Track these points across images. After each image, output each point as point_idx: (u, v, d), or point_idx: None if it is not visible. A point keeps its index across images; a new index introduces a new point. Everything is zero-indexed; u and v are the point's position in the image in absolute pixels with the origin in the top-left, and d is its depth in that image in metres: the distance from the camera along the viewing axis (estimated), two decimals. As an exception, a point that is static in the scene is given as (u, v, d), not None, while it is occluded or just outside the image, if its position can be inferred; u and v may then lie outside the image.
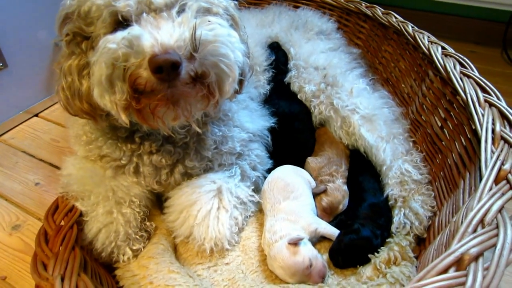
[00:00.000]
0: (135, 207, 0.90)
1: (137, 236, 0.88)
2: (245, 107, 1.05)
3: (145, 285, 0.81)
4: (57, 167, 1.34)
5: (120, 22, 0.69)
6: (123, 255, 0.87)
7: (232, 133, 0.97)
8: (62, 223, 0.83)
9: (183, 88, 0.68)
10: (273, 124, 1.10)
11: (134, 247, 0.87)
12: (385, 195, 0.98)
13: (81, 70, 0.75)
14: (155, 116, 0.72)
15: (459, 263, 0.52)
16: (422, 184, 0.97)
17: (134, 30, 0.65)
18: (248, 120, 1.03)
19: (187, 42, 0.64)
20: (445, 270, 0.52)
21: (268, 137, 1.09)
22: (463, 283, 0.49)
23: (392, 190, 0.97)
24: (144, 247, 0.89)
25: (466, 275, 0.50)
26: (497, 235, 0.55)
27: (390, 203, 0.97)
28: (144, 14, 0.68)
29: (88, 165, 0.93)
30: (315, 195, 1.00)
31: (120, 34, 0.65)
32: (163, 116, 0.72)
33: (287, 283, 0.84)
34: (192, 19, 0.67)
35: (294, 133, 1.15)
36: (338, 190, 0.99)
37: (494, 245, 0.54)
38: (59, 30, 0.77)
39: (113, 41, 0.64)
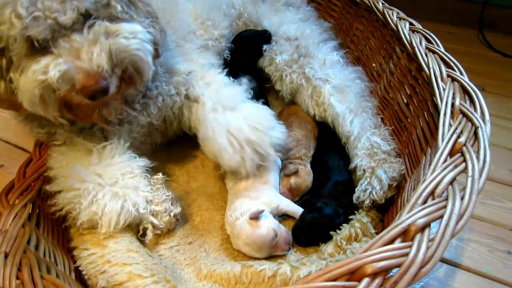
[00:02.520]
0: (132, 176, 0.89)
1: (156, 198, 0.88)
2: (175, 48, 1.04)
3: (102, 263, 0.78)
4: (23, 149, 1.31)
5: (35, 46, 0.72)
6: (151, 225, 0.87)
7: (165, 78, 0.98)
8: (17, 202, 0.80)
9: (111, 95, 0.78)
10: (221, 62, 1.11)
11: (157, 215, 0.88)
12: (353, 165, 0.97)
13: None
14: (89, 117, 0.82)
15: (405, 234, 0.52)
16: (392, 155, 0.95)
17: (60, 65, 0.70)
18: (178, 61, 1.01)
19: (107, 62, 0.72)
20: (391, 241, 0.51)
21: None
22: (407, 254, 0.49)
23: (361, 161, 0.95)
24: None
25: (410, 246, 0.50)
26: (445, 206, 0.55)
27: (358, 173, 0.95)
28: (60, 41, 0.72)
29: (70, 157, 0.90)
30: (285, 175, 0.99)
31: (46, 64, 0.70)
32: (97, 116, 0.82)
33: (247, 259, 0.84)
34: (102, 36, 0.74)
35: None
36: (309, 175, 0.99)
37: (441, 217, 0.53)
38: None
39: (42, 72, 0.70)
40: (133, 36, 0.77)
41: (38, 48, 0.72)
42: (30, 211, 0.81)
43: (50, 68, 0.70)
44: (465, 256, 0.95)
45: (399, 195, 0.91)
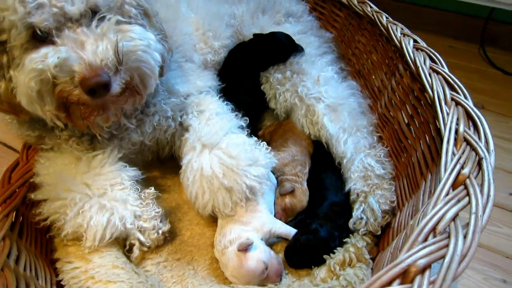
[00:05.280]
0: (121, 188, 0.86)
1: (145, 213, 0.85)
2: (177, 68, 1.02)
3: (86, 279, 0.76)
4: (10, 147, 1.29)
5: (38, 35, 0.69)
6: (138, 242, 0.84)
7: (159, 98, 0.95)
8: (-1, 210, 0.77)
9: (113, 98, 0.74)
10: (218, 84, 1.09)
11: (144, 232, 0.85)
12: (347, 189, 0.95)
13: None
14: (85, 121, 0.77)
15: (404, 276, 0.49)
16: (385, 180, 0.94)
17: (60, 52, 0.66)
18: (178, 82, 0.99)
19: (112, 58, 0.68)
20: (389, 283, 0.48)
21: (214, 95, 1.06)
22: (406, 298, 0.46)
23: (354, 184, 0.94)
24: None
25: (410, 289, 0.47)
26: (447, 245, 0.52)
27: (352, 197, 0.94)
28: (66, 31, 0.69)
29: (58, 164, 0.87)
30: (280, 194, 0.96)
31: (45, 52, 0.67)
32: (93, 120, 0.78)
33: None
34: (111, 32, 0.70)
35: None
36: (305, 194, 0.96)
37: (443, 257, 0.50)
38: None
39: (40, 61, 0.66)
40: (143, 39, 0.74)
41: (41, 39, 0.69)
42: (13, 220, 0.78)
43: (49, 56, 0.66)
44: (459, 283, 0.93)
45: (395, 217, 0.89)
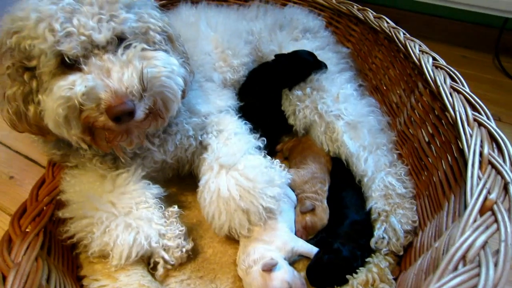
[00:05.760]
0: (146, 206, 0.88)
1: (169, 232, 0.87)
2: (198, 88, 1.04)
3: (112, 298, 0.77)
4: (33, 161, 1.29)
5: (66, 62, 0.71)
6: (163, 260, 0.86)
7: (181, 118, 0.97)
8: (29, 228, 0.78)
9: (137, 123, 0.76)
10: (238, 103, 1.10)
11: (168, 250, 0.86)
12: (368, 208, 0.95)
13: (26, 97, 0.77)
14: (110, 144, 0.79)
15: (437, 306, 0.50)
16: (406, 198, 0.94)
17: (88, 81, 0.68)
18: (199, 102, 1.01)
19: (137, 86, 0.70)
20: (422, 314, 0.49)
21: (233, 114, 1.08)
22: (441, 331, 0.47)
23: (376, 203, 0.94)
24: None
25: (444, 321, 0.48)
26: (478, 274, 0.52)
27: (373, 216, 0.94)
28: (92, 58, 0.71)
29: (83, 182, 0.89)
30: (301, 212, 0.96)
31: (73, 80, 0.69)
32: (117, 144, 0.80)
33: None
34: (136, 59, 0.73)
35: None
36: (325, 212, 0.97)
37: (475, 287, 0.51)
38: None
39: (68, 88, 0.68)
40: (168, 66, 0.76)
41: (69, 65, 0.71)
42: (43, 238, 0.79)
43: (77, 84, 0.68)
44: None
45: (417, 236, 0.89)
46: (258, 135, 1.02)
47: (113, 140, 0.78)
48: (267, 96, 1.17)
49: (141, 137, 0.84)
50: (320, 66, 1.16)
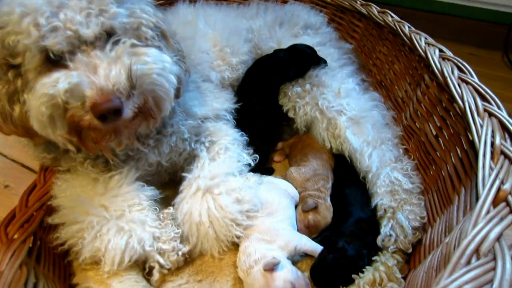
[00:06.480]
0: (139, 208, 0.84)
1: (164, 235, 0.83)
2: (195, 89, 1.00)
3: (104, 305, 0.73)
4: (29, 168, 1.26)
5: (51, 58, 0.68)
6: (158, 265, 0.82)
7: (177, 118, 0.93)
8: (17, 235, 0.74)
9: (125, 122, 0.71)
10: (235, 106, 1.06)
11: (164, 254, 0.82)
12: (373, 204, 0.91)
13: (11, 96, 0.73)
14: (98, 145, 0.75)
15: (449, 303, 0.45)
16: (414, 194, 0.90)
17: (72, 77, 0.64)
18: (195, 104, 0.97)
19: (124, 82, 0.66)
20: (432, 311, 0.45)
21: (229, 119, 1.05)
22: (454, 330, 0.42)
23: (381, 199, 0.90)
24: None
25: (457, 319, 0.43)
26: (494, 268, 0.48)
27: (379, 213, 0.89)
28: (79, 54, 0.68)
29: (75, 186, 0.86)
30: (303, 211, 0.93)
31: (57, 77, 0.65)
32: (106, 145, 0.76)
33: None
34: (126, 56, 0.68)
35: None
36: (329, 210, 0.93)
37: (491, 282, 0.46)
38: None
39: (51, 86, 0.64)
40: (158, 62, 0.72)
41: (54, 62, 0.68)
42: (31, 245, 0.75)
43: (61, 81, 0.64)
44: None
45: (425, 233, 0.85)
46: (251, 151, 0.99)
47: (101, 141, 0.74)
48: (265, 93, 1.13)
49: (131, 138, 0.79)
50: (319, 60, 1.12)
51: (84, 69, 0.66)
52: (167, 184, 1.03)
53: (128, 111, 0.69)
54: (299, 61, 1.12)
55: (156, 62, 0.71)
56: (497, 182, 0.60)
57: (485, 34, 1.91)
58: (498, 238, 0.52)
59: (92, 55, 0.68)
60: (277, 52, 1.16)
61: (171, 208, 0.88)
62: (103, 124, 0.68)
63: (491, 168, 0.63)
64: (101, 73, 0.66)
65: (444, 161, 0.86)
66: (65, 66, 0.67)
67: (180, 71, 0.83)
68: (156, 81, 0.71)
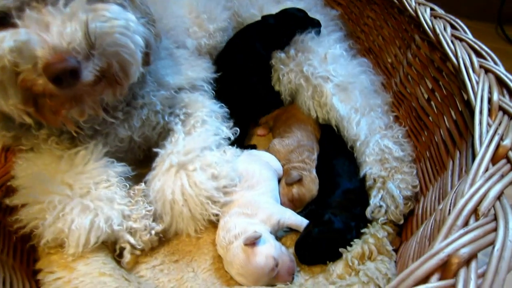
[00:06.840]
0: (107, 185, 0.76)
1: (134, 212, 0.76)
2: (167, 56, 0.92)
3: (69, 290, 0.66)
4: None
5: None
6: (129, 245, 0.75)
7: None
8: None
9: (86, 88, 0.64)
10: (213, 75, 0.99)
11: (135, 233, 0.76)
12: (362, 174, 0.85)
13: None
14: (58, 116, 0.67)
15: (445, 269, 0.39)
16: (405, 162, 0.84)
17: (19, 34, 0.57)
18: (168, 72, 0.89)
19: (81, 40, 0.59)
20: (425, 278, 0.39)
21: (207, 90, 0.97)
22: (450, 298, 0.36)
23: (371, 169, 0.84)
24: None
25: (454, 285, 0.37)
26: (495, 229, 0.42)
27: (368, 183, 0.84)
28: (27, 10, 0.60)
29: (37, 164, 0.78)
30: (286, 184, 0.87)
31: (2, 36, 0.57)
32: (66, 115, 0.68)
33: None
34: (82, 12, 0.60)
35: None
36: (314, 183, 0.87)
37: (492, 244, 0.40)
38: None
39: None
40: (121, 19, 0.64)
41: (1, 22, 0.60)
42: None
43: (6, 39, 0.57)
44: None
45: (418, 203, 0.79)
46: (231, 124, 0.92)
47: (60, 110, 0.66)
48: (249, 65, 1.05)
49: (96, 108, 0.71)
50: (312, 22, 1.05)
51: (34, 26, 0.58)
52: (143, 162, 0.95)
53: (88, 74, 0.62)
54: (292, 27, 1.04)
55: (118, 19, 0.64)
56: (496, 138, 0.54)
57: (479, 6, 1.87)
58: (499, 197, 0.46)
59: (43, 11, 0.60)
60: (266, 18, 1.08)
61: (143, 184, 0.81)
62: (60, 89, 0.61)
63: (488, 125, 0.57)
64: (54, 31, 0.58)
65: (437, 125, 0.80)
66: (13, 25, 0.60)
67: (150, 35, 0.75)
68: (119, 41, 0.64)
